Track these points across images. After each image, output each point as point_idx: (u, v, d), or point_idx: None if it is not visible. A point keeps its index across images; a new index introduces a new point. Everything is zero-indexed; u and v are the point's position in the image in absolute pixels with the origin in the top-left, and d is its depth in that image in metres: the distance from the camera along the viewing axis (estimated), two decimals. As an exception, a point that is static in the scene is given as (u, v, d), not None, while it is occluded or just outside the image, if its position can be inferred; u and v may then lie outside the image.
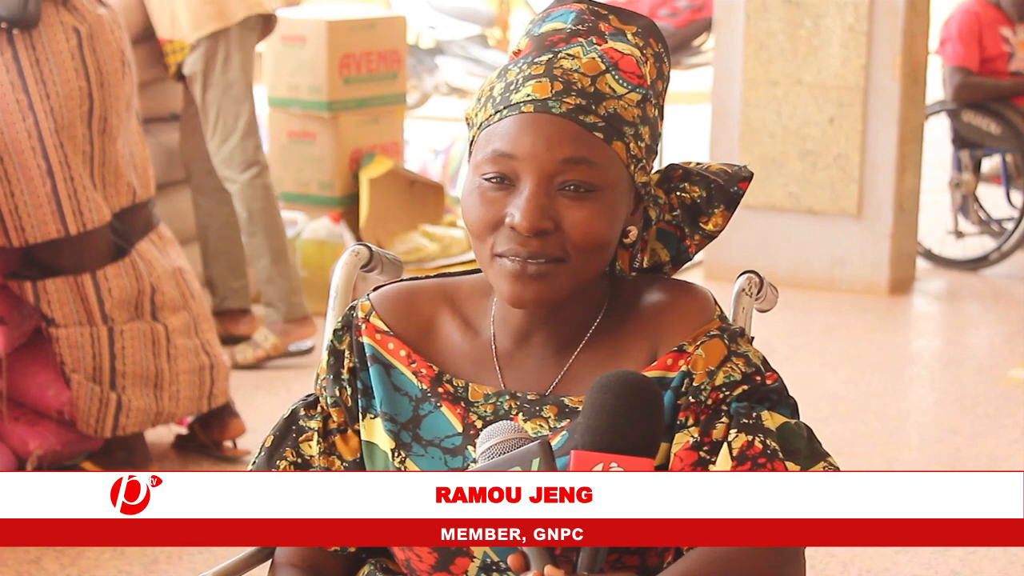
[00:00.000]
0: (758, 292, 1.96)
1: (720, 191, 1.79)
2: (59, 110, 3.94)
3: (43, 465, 4.14)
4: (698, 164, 1.82)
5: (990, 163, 7.40)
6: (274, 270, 5.25)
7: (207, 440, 4.42)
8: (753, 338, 1.80)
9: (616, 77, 1.71)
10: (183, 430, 4.52)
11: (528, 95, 1.69)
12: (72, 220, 3.97)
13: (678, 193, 1.80)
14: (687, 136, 9.63)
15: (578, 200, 1.68)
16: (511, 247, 1.68)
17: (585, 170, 1.67)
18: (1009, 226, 6.94)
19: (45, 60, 3.92)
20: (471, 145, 1.75)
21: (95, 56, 4.00)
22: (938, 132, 7.41)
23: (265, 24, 5.34)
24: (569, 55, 1.71)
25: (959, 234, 7.06)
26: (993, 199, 7.40)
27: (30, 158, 3.94)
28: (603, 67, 1.71)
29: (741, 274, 1.96)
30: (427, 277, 1.87)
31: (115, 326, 4.08)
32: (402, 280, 1.87)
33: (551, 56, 1.72)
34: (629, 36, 1.76)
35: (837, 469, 1.69)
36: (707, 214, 1.80)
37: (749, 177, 1.81)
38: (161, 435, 4.55)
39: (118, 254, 4.09)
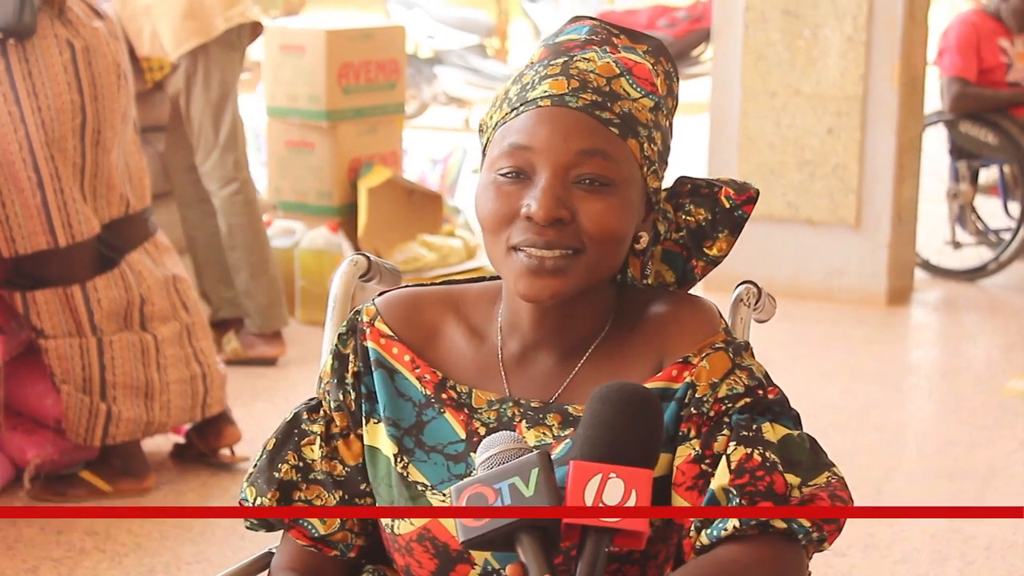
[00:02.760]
0: (756, 302, 1.96)
1: (725, 215, 1.80)
2: (50, 123, 3.94)
3: (41, 474, 4.15)
4: (707, 180, 1.84)
5: (987, 174, 7.41)
6: (252, 284, 5.35)
7: (204, 448, 4.42)
8: (752, 349, 1.80)
9: (630, 81, 1.73)
10: (181, 439, 4.52)
11: (545, 91, 1.71)
12: (61, 232, 3.98)
13: (684, 215, 1.81)
14: (686, 146, 9.64)
15: (594, 193, 1.69)
16: (527, 237, 1.68)
17: (601, 163, 1.68)
18: (1006, 236, 6.95)
19: (38, 73, 3.93)
20: (485, 148, 1.76)
21: (89, 70, 4.00)
22: (936, 143, 7.42)
23: (252, 31, 5.37)
24: (585, 58, 1.74)
25: (957, 244, 7.06)
26: (991, 210, 7.41)
27: (21, 170, 3.94)
28: (618, 71, 1.73)
29: (739, 284, 1.97)
30: (432, 284, 1.87)
31: (104, 337, 4.08)
32: (408, 286, 1.88)
33: (567, 59, 1.74)
34: (640, 52, 1.78)
35: (841, 479, 1.69)
36: (712, 238, 1.81)
37: (754, 199, 1.81)
38: (159, 444, 4.55)
39: (108, 265, 4.09)
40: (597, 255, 1.69)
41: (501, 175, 1.70)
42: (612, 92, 1.71)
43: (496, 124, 1.74)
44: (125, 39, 5.02)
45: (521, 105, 1.71)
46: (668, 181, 1.83)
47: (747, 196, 1.81)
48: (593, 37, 1.78)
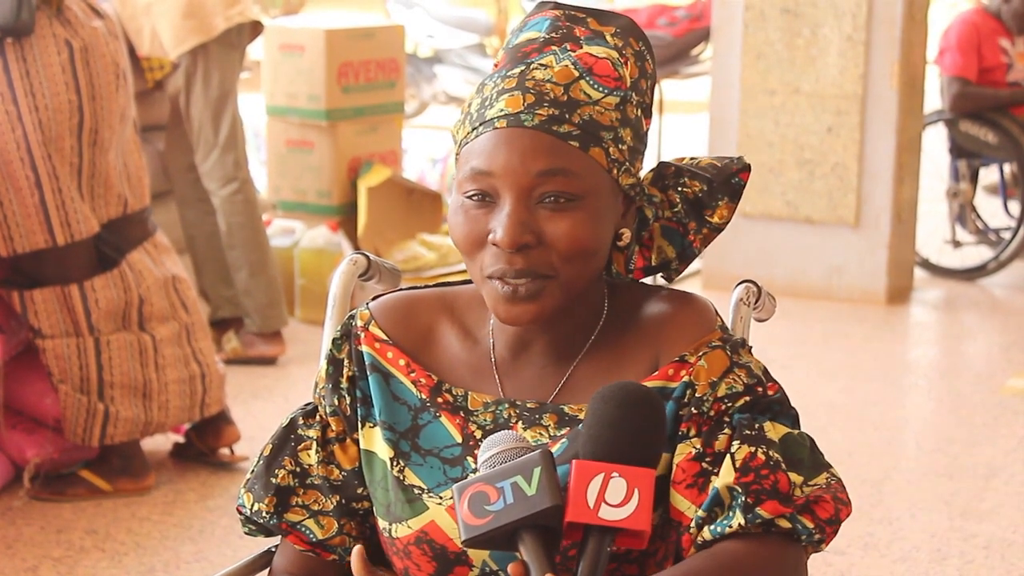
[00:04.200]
0: (756, 301, 1.96)
1: (722, 183, 1.78)
2: (47, 123, 3.94)
3: (40, 473, 4.15)
4: (691, 159, 1.82)
5: (987, 173, 7.41)
6: (251, 283, 5.35)
7: (203, 447, 4.42)
8: (751, 347, 1.80)
9: (591, 83, 1.69)
10: (180, 438, 4.52)
11: (501, 110, 1.68)
12: (60, 231, 3.98)
13: (679, 189, 1.79)
14: (685, 145, 9.65)
15: (559, 211, 1.67)
16: (499, 267, 1.67)
17: (563, 180, 1.66)
18: (1006, 236, 6.95)
19: (35, 72, 3.92)
20: (456, 160, 1.75)
21: (88, 70, 3.99)
22: (936, 142, 7.42)
23: (252, 31, 5.37)
24: (541, 65, 1.70)
25: (956, 244, 7.06)
26: (991, 209, 7.41)
27: (19, 168, 3.94)
28: (576, 74, 1.69)
29: (739, 283, 1.96)
30: (427, 286, 1.87)
31: (101, 337, 4.08)
32: (401, 289, 1.87)
33: (523, 68, 1.70)
34: (607, 38, 1.74)
35: (839, 480, 1.69)
36: (711, 207, 1.79)
37: (746, 168, 1.80)
38: (159, 443, 4.55)
39: (108, 265, 4.09)
40: (569, 275, 1.68)
41: (467, 198, 1.69)
42: (570, 100, 1.67)
43: (461, 141, 1.72)
44: (125, 38, 5.02)
45: (480, 125, 1.69)
46: (651, 165, 1.81)
47: (733, 168, 1.80)
48: (553, 35, 1.73)
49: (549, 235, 1.67)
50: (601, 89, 1.69)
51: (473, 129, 1.70)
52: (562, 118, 1.67)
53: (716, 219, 1.79)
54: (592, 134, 1.67)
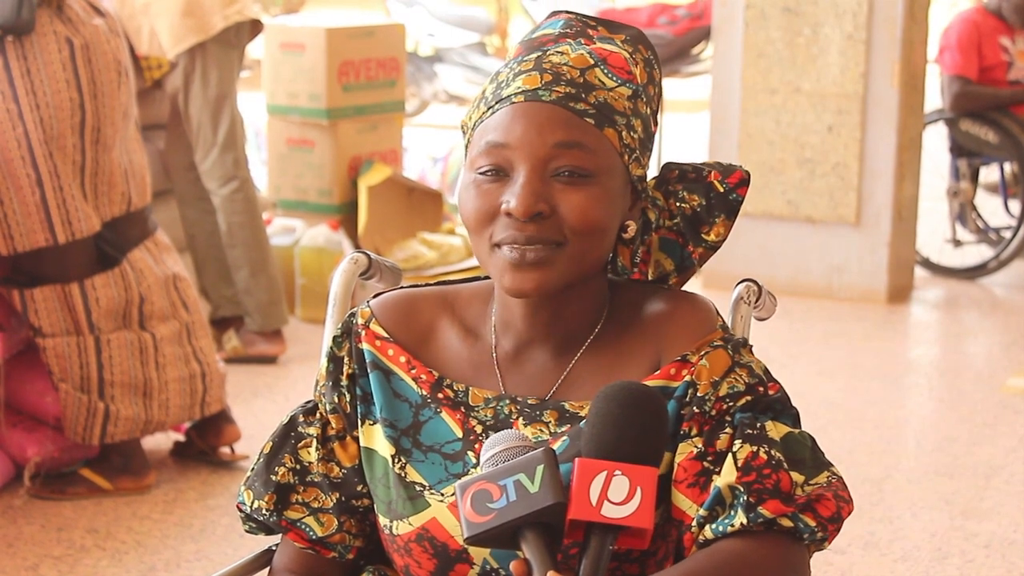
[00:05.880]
0: (756, 300, 1.96)
1: (720, 199, 1.79)
2: (48, 120, 3.94)
3: (41, 472, 4.15)
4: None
5: (988, 172, 7.41)
6: (252, 282, 5.35)
7: (204, 446, 4.42)
8: (752, 346, 1.80)
9: (605, 71, 1.72)
10: (181, 437, 4.52)
11: (519, 87, 1.70)
12: (61, 229, 3.98)
13: (678, 203, 1.80)
14: (686, 144, 9.65)
15: (573, 185, 1.68)
16: (509, 234, 1.68)
17: (578, 154, 1.68)
18: (1007, 235, 6.95)
19: (36, 70, 3.92)
20: (467, 147, 1.76)
21: (89, 67, 3.99)
22: (936, 140, 7.42)
23: (251, 29, 5.37)
24: (558, 52, 1.73)
25: (957, 243, 7.06)
26: (991, 208, 7.41)
27: (19, 167, 3.94)
28: (592, 62, 1.72)
29: (740, 282, 1.96)
30: (427, 285, 1.87)
31: (102, 335, 4.08)
32: (402, 287, 1.88)
33: (540, 54, 1.73)
34: (617, 43, 1.77)
35: (840, 479, 1.69)
36: (708, 223, 1.80)
37: (746, 181, 1.81)
38: (159, 441, 4.55)
39: (108, 263, 4.09)
40: (580, 247, 1.69)
41: (480, 174, 1.70)
42: (586, 83, 1.70)
43: (475, 123, 1.74)
44: (125, 37, 5.02)
45: (496, 103, 1.71)
46: (656, 170, 1.82)
47: (739, 178, 1.81)
48: (567, 30, 1.77)
49: (562, 207, 1.67)
50: (615, 79, 1.72)
51: (489, 108, 1.72)
52: (578, 97, 1.69)
53: (712, 236, 1.80)
54: (607, 116, 1.70)
